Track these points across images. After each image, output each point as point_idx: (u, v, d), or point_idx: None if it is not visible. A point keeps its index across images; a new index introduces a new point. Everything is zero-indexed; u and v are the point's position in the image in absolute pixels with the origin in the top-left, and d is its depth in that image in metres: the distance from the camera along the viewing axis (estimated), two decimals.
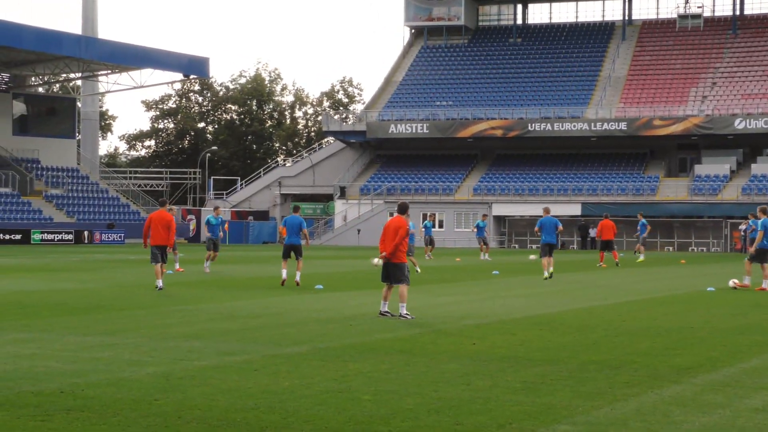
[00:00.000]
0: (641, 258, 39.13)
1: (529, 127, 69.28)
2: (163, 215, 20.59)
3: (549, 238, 26.64)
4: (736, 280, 22.47)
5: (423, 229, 41.11)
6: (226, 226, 44.29)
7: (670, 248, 63.78)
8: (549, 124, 68.95)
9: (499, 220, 67.81)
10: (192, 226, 64.86)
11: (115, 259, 37.91)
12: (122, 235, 62.80)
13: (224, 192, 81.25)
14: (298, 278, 21.75)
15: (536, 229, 27.17)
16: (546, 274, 25.97)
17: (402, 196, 67.32)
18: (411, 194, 68.20)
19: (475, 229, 41.03)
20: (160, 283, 20.19)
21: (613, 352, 11.27)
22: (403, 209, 15.04)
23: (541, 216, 27.80)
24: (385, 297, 14.87)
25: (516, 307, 17.08)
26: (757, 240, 22.04)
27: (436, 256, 40.60)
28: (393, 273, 14.69)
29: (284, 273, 22.17)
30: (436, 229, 57.66)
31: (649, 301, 18.91)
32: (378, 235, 16.17)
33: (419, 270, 28.51)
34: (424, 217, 60.13)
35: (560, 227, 27.04)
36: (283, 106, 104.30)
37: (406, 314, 14.56)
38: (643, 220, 39.88)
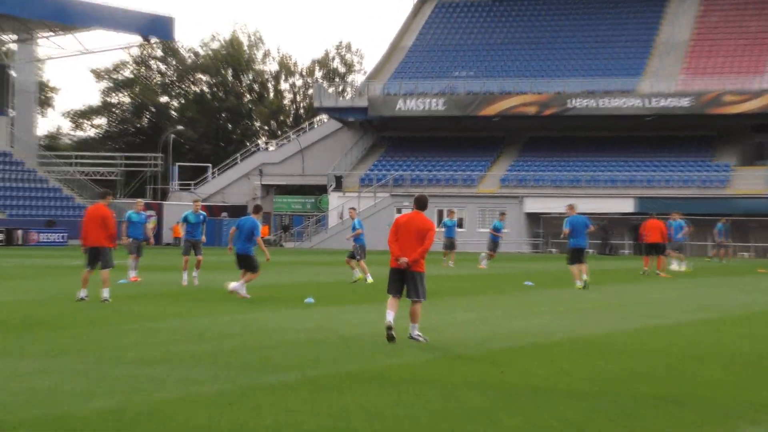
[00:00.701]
0: (677, 267, 38.72)
1: (569, 104, 69.33)
2: (98, 210, 20.33)
3: (580, 241, 27.22)
4: None
5: (443, 229, 41.13)
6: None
7: (746, 254, 63.77)
8: (594, 100, 68.99)
9: (533, 218, 67.86)
10: (152, 224, 64.75)
11: (57, 264, 37.94)
12: (64, 234, 62.92)
13: (192, 182, 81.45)
14: (236, 286, 21.69)
15: (565, 230, 27.45)
16: (579, 284, 26.64)
17: (412, 189, 67.42)
18: (423, 186, 68.27)
19: (493, 231, 41.15)
20: (81, 293, 20.28)
21: (676, 384, 11.25)
22: (422, 204, 14.84)
23: (565, 215, 28.18)
24: (391, 306, 14.48)
25: (553, 327, 17.05)
26: None
27: (455, 262, 40.71)
28: (410, 285, 14.44)
29: (230, 285, 21.98)
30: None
31: (720, 321, 18.87)
32: (383, 235, 16.00)
33: (370, 279, 28.08)
34: (440, 214, 60.10)
35: (591, 227, 27.72)
36: (266, 76, 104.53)
37: (418, 335, 14.50)
38: (681, 221, 39.64)
